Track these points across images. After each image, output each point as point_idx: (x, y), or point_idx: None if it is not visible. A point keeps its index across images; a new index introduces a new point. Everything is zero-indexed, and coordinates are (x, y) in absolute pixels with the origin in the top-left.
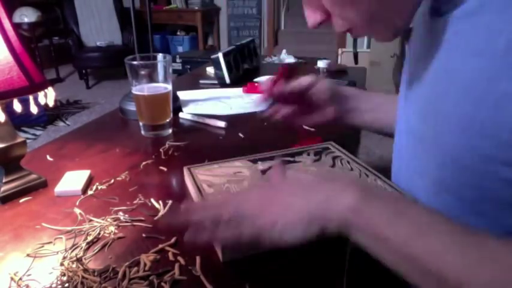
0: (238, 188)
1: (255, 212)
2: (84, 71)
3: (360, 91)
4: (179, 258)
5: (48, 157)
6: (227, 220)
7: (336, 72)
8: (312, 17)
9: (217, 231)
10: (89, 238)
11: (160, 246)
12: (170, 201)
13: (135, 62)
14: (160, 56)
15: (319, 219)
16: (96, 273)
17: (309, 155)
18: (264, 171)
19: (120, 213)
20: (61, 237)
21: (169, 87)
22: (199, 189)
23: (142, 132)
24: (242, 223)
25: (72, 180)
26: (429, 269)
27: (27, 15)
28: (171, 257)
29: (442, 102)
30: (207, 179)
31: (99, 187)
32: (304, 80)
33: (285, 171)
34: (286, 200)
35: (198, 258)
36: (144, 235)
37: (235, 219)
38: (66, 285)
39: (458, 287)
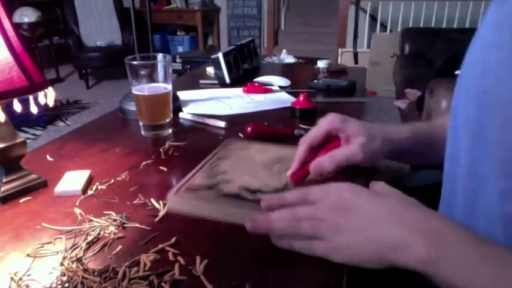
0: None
1: (330, 233)
2: (84, 71)
3: (408, 133)
4: (179, 258)
5: (48, 157)
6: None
7: (336, 72)
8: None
9: (294, 242)
10: (89, 238)
11: (160, 246)
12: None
13: (135, 62)
14: (160, 56)
15: (387, 261)
16: (96, 273)
17: None
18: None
19: (120, 213)
20: (61, 237)
21: (169, 87)
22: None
23: (142, 132)
24: (315, 240)
25: (72, 180)
26: None
27: (27, 15)
28: (171, 257)
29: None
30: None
31: (99, 187)
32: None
33: (359, 188)
34: (362, 226)
35: (198, 258)
36: (144, 235)
37: (310, 233)
38: (66, 285)
39: None
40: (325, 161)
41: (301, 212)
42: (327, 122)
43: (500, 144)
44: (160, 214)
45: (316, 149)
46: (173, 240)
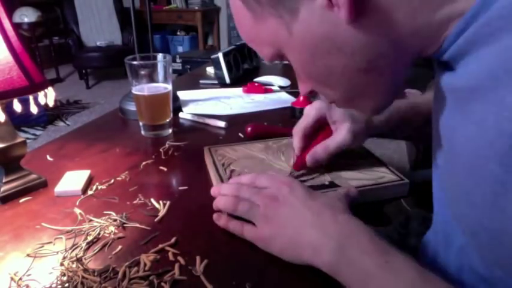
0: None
1: (259, 220)
2: (84, 71)
3: (382, 123)
4: (179, 258)
5: (48, 157)
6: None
7: None
8: (303, 87)
9: (230, 221)
10: (89, 238)
11: (160, 246)
12: (169, 202)
13: (135, 62)
14: (160, 56)
15: (305, 261)
16: (96, 273)
17: None
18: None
19: (120, 213)
20: (61, 237)
21: (169, 87)
22: (216, 169)
23: (142, 132)
24: (246, 224)
25: (72, 180)
26: None
27: (27, 15)
28: (171, 257)
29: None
30: (228, 156)
31: (99, 187)
32: (344, 139)
33: (297, 184)
34: (285, 223)
35: (198, 258)
36: (144, 235)
37: (244, 215)
38: (66, 285)
39: None
40: (319, 151)
41: (242, 193)
42: (314, 110)
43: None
44: (161, 214)
45: (309, 136)
46: (173, 240)
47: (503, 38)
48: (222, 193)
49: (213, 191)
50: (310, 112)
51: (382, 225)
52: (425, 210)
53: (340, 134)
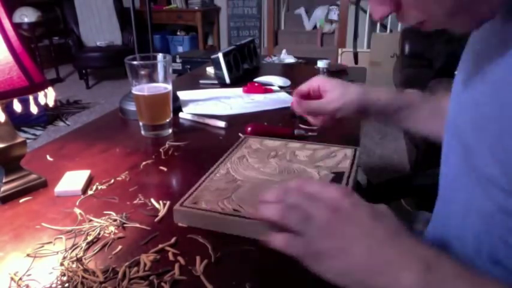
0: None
1: (317, 232)
2: (84, 71)
3: (392, 98)
4: (179, 258)
5: (48, 157)
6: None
7: (336, 72)
8: (379, 9)
9: (278, 236)
10: (89, 238)
11: (160, 246)
12: (169, 202)
13: (135, 62)
14: (160, 56)
15: (369, 282)
16: (96, 273)
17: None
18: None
19: (120, 213)
20: (61, 237)
21: (169, 87)
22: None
23: (142, 132)
24: (296, 236)
25: (72, 180)
26: None
27: (27, 15)
28: (171, 257)
29: (499, 118)
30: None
31: (99, 187)
32: (329, 107)
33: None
34: (353, 238)
35: (198, 258)
36: (144, 235)
37: (295, 225)
38: (66, 285)
39: None
40: (313, 105)
41: (293, 200)
42: (312, 80)
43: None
44: (160, 214)
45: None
46: (173, 240)
47: None
48: (266, 199)
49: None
50: (308, 81)
51: None
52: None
53: (329, 96)
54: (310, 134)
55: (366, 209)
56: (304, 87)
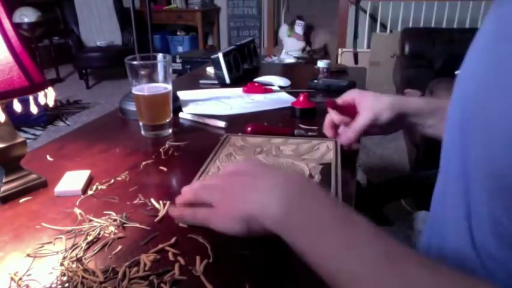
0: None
1: (216, 196)
2: (84, 71)
3: (424, 104)
4: (179, 258)
5: (48, 157)
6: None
7: (336, 72)
8: None
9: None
10: (89, 238)
11: (160, 246)
12: (169, 202)
13: (135, 62)
14: (160, 56)
15: (251, 221)
16: (96, 273)
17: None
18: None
19: (120, 213)
20: (61, 237)
21: (169, 87)
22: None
23: (142, 132)
24: (200, 208)
25: (72, 180)
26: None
27: (27, 15)
28: (171, 257)
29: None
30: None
31: (99, 187)
32: (363, 123)
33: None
34: (234, 191)
35: (198, 258)
36: (144, 235)
37: (204, 199)
38: (66, 285)
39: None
40: (350, 134)
41: (203, 183)
42: (347, 94)
43: (480, 147)
44: (161, 214)
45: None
46: (173, 240)
47: None
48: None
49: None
50: (344, 95)
51: (384, 225)
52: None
53: (362, 113)
54: (310, 133)
55: (255, 165)
56: (339, 100)
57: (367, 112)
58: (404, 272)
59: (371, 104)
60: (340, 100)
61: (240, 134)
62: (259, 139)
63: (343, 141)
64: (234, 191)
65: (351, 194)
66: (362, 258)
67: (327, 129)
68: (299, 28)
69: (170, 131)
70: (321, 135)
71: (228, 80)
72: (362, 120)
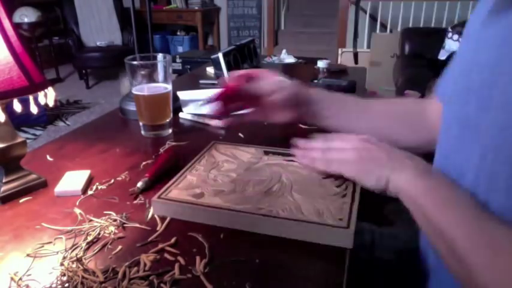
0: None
1: (354, 154)
2: (84, 71)
3: (325, 95)
4: (179, 258)
5: (48, 157)
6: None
7: (336, 72)
8: None
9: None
10: (89, 238)
11: (160, 246)
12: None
13: (135, 62)
14: (160, 56)
15: (384, 180)
16: (96, 273)
17: None
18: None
19: (120, 213)
20: (61, 237)
21: (169, 87)
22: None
23: (142, 132)
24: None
25: (72, 180)
26: (447, 239)
27: (27, 15)
28: (171, 257)
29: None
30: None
31: (99, 187)
32: (266, 87)
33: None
34: (373, 154)
35: (198, 258)
36: (144, 235)
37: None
38: (66, 285)
39: (461, 259)
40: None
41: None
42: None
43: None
44: (149, 215)
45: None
46: (173, 240)
47: None
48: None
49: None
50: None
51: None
52: None
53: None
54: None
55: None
56: (242, 71)
57: (271, 85)
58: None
59: (276, 80)
60: (244, 71)
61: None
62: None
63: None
64: (372, 154)
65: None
66: (482, 230)
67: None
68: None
69: (170, 131)
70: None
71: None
72: (266, 86)
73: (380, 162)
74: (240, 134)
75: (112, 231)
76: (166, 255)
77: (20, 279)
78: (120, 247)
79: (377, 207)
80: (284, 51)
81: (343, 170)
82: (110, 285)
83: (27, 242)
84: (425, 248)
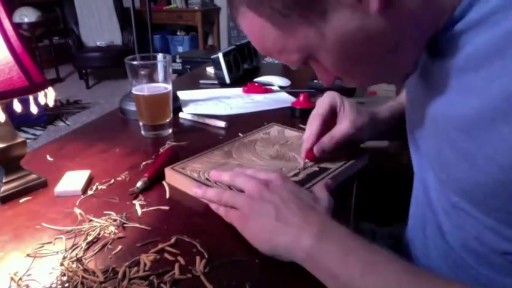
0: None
1: (244, 200)
2: (84, 71)
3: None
4: (179, 258)
5: (48, 157)
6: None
7: None
8: (325, 77)
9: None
10: (89, 238)
11: (160, 246)
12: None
13: (135, 62)
14: (160, 56)
15: (281, 251)
16: (96, 273)
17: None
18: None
19: (120, 213)
20: (61, 237)
21: (169, 87)
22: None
23: (142, 132)
24: (233, 209)
25: (72, 180)
26: None
27: (27, 15)
28: (171, 257)
29: (446, 147)
30: (195, 168)
31: (99, 187)
32: (347, 130)
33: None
34: (271, 208)
35: (198, 258)
36: (144, 235)
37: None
38: (66, 285)
39: None
40: (326, 141)
41: (237, 175)
42: (328, 98)
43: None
44: (139, 211)
45: (326, 122)
46: (173, 240)
47: None
48: (206, 196)
49: (196, 192)
50: (324, 100)
51: (383, 226)
52: None
53: (343, 124)
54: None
55: (291, 187)
56: (325, 110)
57: (348, 124)
58: (430, 281)
59: (352, 117)
60: (327, 110)
61: (283, 126)
62: (294, 133)
63: (317, 149)
64: (267, 214)
65: (350, 193)
66: (385, 278)
67: (306, 143)
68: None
69: (170, 131)
70: None
71: (228, 80)
72: (343, 129)
73: (269, 221)
74: (240, 134)
75: (112, 231)
76: (166, 255)
77: (20, 279)
78: (120, 247)
79: (377, 207)
80: None
81: (233, 222)
82: (110, 285)
83: (27, 242)
84: (410, 242)
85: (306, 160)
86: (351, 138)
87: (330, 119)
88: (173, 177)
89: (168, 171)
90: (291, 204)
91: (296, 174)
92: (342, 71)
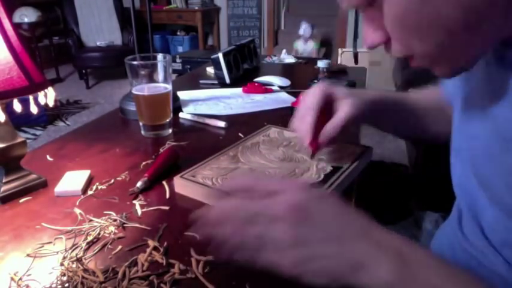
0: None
1: (283, 243)
2: (84, 71)
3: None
4: (179, 258)
5: (48, 157)
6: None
7: (336, 72)
8: (371, 37)
9: (237, 245)
10: (89, 238)
11: (159, 246)
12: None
13: (135, 62)
14: (160, 56)
15: (348, 278)
16: (96, 273)
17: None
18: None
19: (120, 213)
20: (61, 237)
21: (169, 87)
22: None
23: (142, 132)
24: (264, 246)
25: (72, 180)
26: None
27: (27, 15)
28: (170, 258)
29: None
30: (206, 175)
31: (99, 187)
32: (348, 114)
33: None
34: (319, 243)
35: (198, 258)
36: (144, 235)
37: (259, 236)
38: (66, 285)
39: None
40: (330, 129)
41: (244, 210)
42: (319, 89)
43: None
44: (139, 211)
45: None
46: (173, 240)
47: None
48: (213, 219)
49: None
50: (316, 90)
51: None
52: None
53: (344, 109)
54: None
55: (328, 205)
56: (318, 100)
57: (349, 106)
58: None
59: (351, 99)
60: (320, 100)
61: (280, 127)
62: (294, 134)
63: (323, 138)
64: (315, 238)
65: (352, 193)
66: None
67: (306, 135)
68: (302, 30)
69: (170, 131)
70: None
71: (228, 80)
72: (346, 112)
73: (324, 249)
74: (240, 134)
75: (112, 231)
76: (165, 255)
77: (20, 279)
78: (120, 247)
79: (377, 207)
80: (284, 51)
81: (271, 262)
82: (110, 285)
83: (27, 242)
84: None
85: (313, 154)
86: (353, 122)
87: (322, 115)
88: (184, 186)
89: (178, 181)
90: (345, 228)
91: (314, 175)
92: (400, 31)
